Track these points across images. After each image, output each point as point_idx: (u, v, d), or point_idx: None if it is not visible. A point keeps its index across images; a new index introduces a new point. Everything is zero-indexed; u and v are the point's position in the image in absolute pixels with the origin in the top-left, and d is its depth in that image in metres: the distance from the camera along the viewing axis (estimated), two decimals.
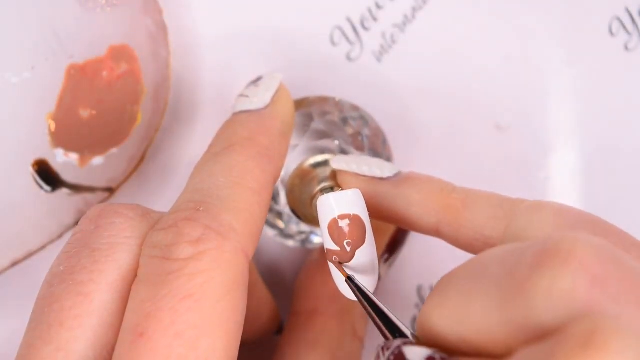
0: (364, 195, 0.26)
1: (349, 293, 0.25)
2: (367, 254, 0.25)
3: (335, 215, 0.24)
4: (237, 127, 0.26)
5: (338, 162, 0.28)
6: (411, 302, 0.35)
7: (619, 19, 0.34)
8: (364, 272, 0.25)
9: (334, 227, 0.24)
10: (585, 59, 0.34)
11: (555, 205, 0.23)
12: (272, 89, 0.27)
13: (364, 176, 0.27)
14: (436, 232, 0.26)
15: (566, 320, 0.17)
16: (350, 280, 0.24)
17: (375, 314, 0.23)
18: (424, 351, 0.20)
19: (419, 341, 0.21)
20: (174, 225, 0.22)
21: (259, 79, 0.28)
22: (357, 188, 0.26)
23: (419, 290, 0.35)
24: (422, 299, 0.35)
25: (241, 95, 0.28)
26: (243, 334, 0.29)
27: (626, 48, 0.35)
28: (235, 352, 0.22)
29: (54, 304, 0.22)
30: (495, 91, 0.34)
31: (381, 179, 0.27)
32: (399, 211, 0.26)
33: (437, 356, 0.20)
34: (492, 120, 0.34)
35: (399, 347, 0.20)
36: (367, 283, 0.25)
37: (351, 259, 0.25)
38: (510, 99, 0.34)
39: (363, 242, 0.25)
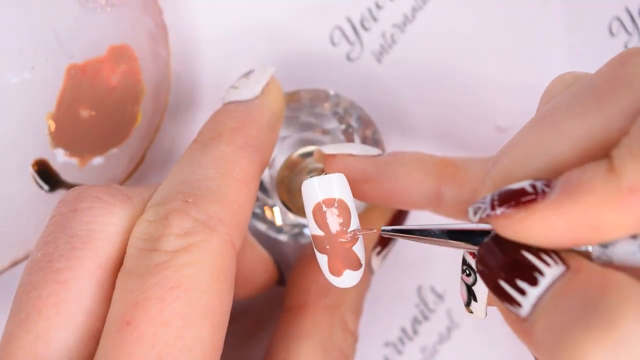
0: (362, 173, 0.26)
1: (338, 282, 0.25)
2: None
3: (319, 200, 0.24)
4: (224, 117, 0.26)
5: (330, 148, 0.28)
6: (411, 302, 0.35)
7: (619, 19, 0.34)
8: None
9: (318, 212, 0.24)
10: (586, 59, 0.34)
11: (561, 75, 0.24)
12: (262, 81, 0.28)
13: (358, 155, 0.27)
14: (437, 199, 0.26)
15: None
16: (385, 231, 0.24)
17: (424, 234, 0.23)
18: (524, 181, 0.20)
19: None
20: (163, 218, 0.22)
21: (250, 71, 0.28)
22: (355, 169, 0.26)
23: (419, 290, 0.35)
24: (422, 299, 0.35)
25: (231, 87, 0.28)
26: (242, 290, 0.29)
27: (626, 48, 0.35)
28: (220, 342, 0.22)
29: (31, 292, 0.22)
30: (495, 92, 0.34)
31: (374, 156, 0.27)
32: (401, 179, 0.26)
33: (538, 183, 0.19)
34: (492, 121, 0.34)
35: (492, 197, 0.20)
36: (353, 272, 0.25)
37: (337, 244, 0.25)
38: (510, 99, 0.34)
39: (348, 226, 0.25)
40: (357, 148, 0.27)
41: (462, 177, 0.26)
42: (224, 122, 0.26)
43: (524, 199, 0.19)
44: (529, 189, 0.19)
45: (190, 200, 0.23)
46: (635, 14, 0.34)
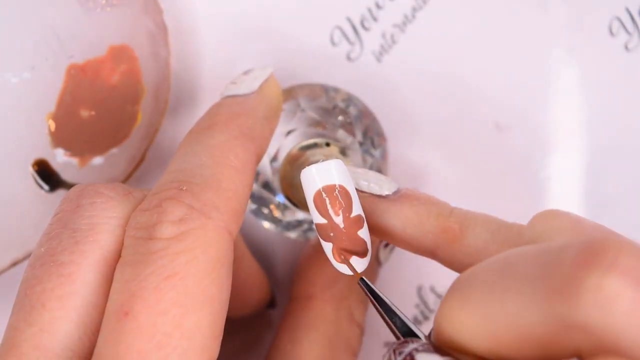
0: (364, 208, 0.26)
1: (345, 269, 0.25)
2: None
3: (319, 187, 0.24)
4: (220, 109, 0.26)
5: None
6: (411, 302, 0.35)
7: (619, 19, 0.34)
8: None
9: (318, 199, 0.24)
10: (586, 59, 0.34)
11: (569, 214, 0.23)
12: (261, 78, 0.28)
13: (362, 192, 0.26)
14: (432, 255, 0.26)
15: (611, 324, 0.18)
16: (362, 280, 0.24)
17: (386, 312, 0.23)
18: (437, 358, 0.20)
19: (433, 345, 0.21)
20: (157, 205, 0.22)
21: (250, 70, 0.28)
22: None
23: (419, 290, 0.35)
24: (422, 299, 0.35)
25: (230, 83, 0.28)
26: (233, 308, 0.30)
27: (626, 48, 0.35)
28: (220, 330, 0.22)
29: (35, 286, 0.22)
30: (495, 91, 0.34)
31: (379, 196, 0.26)
32: (396, 231, 0.26)
33: None
34: (492, 120, 0.34)
35: (411, 354, 0.20)
36: (360, 259, 0.25)
37: (341, 230, 0.24)
38: (510, 98, 0.34)
39: (350, 212, 0.24)
40: (364, 180, 0.26)
41: (459, 247, 0.25)
42: (220, 112, 0.26)
43: None
44: None
45: (184, 188, 0.23)
46: (635, 14, 0.34)
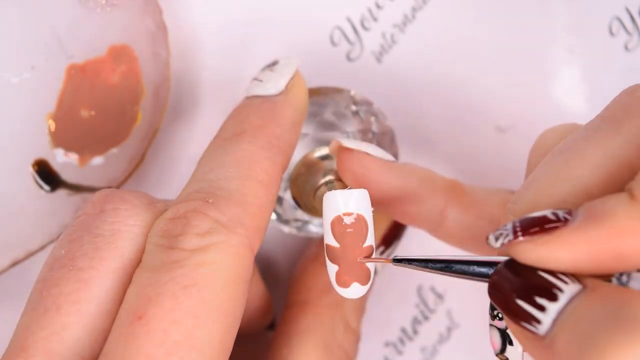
0: (375, 174, 0.26)
1: (344, 293, 0.25)
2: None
3: (340, 213, 0.24)
4: (249, 113, 0.26)
5: (348, 142, 0.27)
6: (411, 302, 0.35)
7: (619, 19, 0.34)
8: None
9: (336, 225, 0.24)
10: (585, 59, 0.34)
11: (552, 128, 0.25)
12: (287, 75, 0.27)
13: (375, 156, 0.27)
14: (440, 218, 0.26)
15: None
16: (398, 260, 0.24)
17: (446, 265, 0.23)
18: (545, 210, 0.20)
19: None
20: (182, 217, 0.22)
21: (274, 63, 0.28)
22: (369, 168, 0.26)
23: (419, 290, 0.35)
24: (422, 299, 0.35)
25: (255, 79, 0.27)
26: None
27: (626, 48, 0.35)
28: (230, 344, 0.22)
29: (52, 288, 0.22)
30: (495, 92, 0.34)
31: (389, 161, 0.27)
32: (410, 190, 0.27)
33: (560, 212, 0.20)
34: (492, 121, 0.34)
35: (518, 219, 0.20)
36: (361, 286, 0.25)
37: (349, 257, 0.25)
38: (510, 99, 0.34)
39: (364, 242, 0.25)
40: (374, 149, 0.27)
41: (469, 201, 0.26)
42: (248, 119, 0.26)
43: (547, 225, 0.20)
44: (551, 217, 0.20)
45: (210, 200, 0.23)
46: (635, 14, 0.34)
